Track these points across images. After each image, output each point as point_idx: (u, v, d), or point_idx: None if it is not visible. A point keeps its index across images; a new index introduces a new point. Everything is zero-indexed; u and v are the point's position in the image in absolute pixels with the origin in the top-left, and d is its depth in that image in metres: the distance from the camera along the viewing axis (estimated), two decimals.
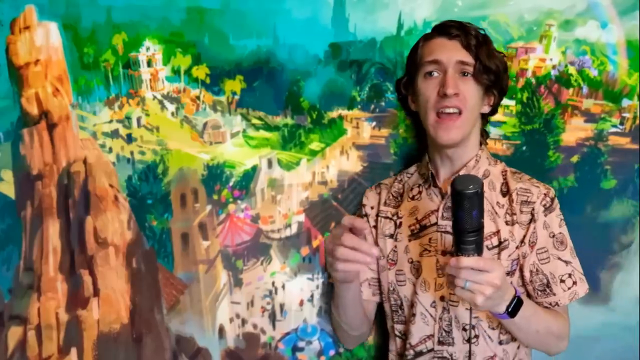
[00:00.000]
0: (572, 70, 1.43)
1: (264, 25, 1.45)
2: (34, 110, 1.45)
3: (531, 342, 1.16)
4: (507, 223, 1.16)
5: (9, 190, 1.48)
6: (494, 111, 1.24)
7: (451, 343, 1.17)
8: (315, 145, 1.50)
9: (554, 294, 1.16)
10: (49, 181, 1.46)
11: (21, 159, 1.46)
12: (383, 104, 1.49)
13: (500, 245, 1.14)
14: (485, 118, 1.25)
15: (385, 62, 1.46)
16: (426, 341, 1.19)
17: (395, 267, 1.24)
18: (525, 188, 1.17)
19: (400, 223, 1.25)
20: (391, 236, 1.26)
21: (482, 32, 1.18)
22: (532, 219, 1.15)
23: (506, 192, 1.18)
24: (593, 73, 1.43)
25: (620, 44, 1.42)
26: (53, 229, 1.47)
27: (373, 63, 1.47)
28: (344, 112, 1.49)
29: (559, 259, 1.16)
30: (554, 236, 1.16)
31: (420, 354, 1.19)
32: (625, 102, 1.43)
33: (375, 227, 1.30)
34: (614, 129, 1.44)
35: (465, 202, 0.90)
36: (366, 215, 1.34)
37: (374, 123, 1.49)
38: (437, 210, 1.19)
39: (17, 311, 1.48)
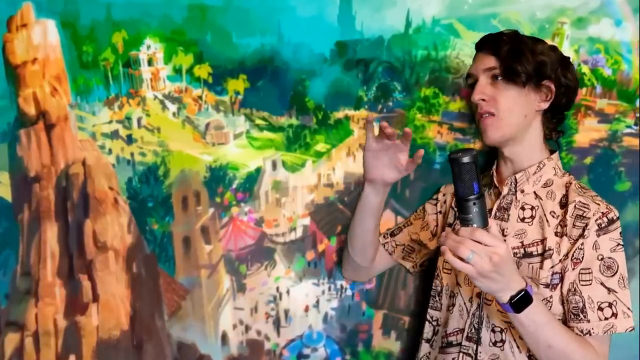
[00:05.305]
0: (585, 69, 1.41)
1: (268, 23, 1.43)
2: (31, 110, 1.44)
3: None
4: (556, 234, 1.13)
5: (6, 193, 1.47)
6: (557, 106, 1.18)
7: (478, 342, 1.17)
8: (320, 147, 1.48)
9: (588, 321, 1.08)
10: (46, 183, 1.45)
11: (18, 161, 1.45)
12: (390, 104, 1.47)
13: (544, 254, 1.13)
14: (549, 119, 1.20)
15: (392, 61, 1.45)
16: (457, 334, 1.22)
17: None
18: (585, 203, 1.13)
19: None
20: (450, 225, 1.32)
21: (514, 32, 1.19)
22: (582, 235, 1.10)
23: (565, 204, 1.16)
24: (607, 72, 1.41)
25: (634, 42, 1.40)
26: (51, 233, 1.46)
27: (380, 62, 1.45)
28: (350, 112, 1.47)
29: (602, 284, 1.09)
30: (602, 259, 1.10)
31: (451, 344, 1.22)
32: None
33: (441, 213, 1.37)
34: (628, 130, 1.42)
35: (457, 169, 0.97)
36: (437, 199, 1.40)
37: None
38: (490, 210, 1.21)
39: (14, 317, 1.47)
